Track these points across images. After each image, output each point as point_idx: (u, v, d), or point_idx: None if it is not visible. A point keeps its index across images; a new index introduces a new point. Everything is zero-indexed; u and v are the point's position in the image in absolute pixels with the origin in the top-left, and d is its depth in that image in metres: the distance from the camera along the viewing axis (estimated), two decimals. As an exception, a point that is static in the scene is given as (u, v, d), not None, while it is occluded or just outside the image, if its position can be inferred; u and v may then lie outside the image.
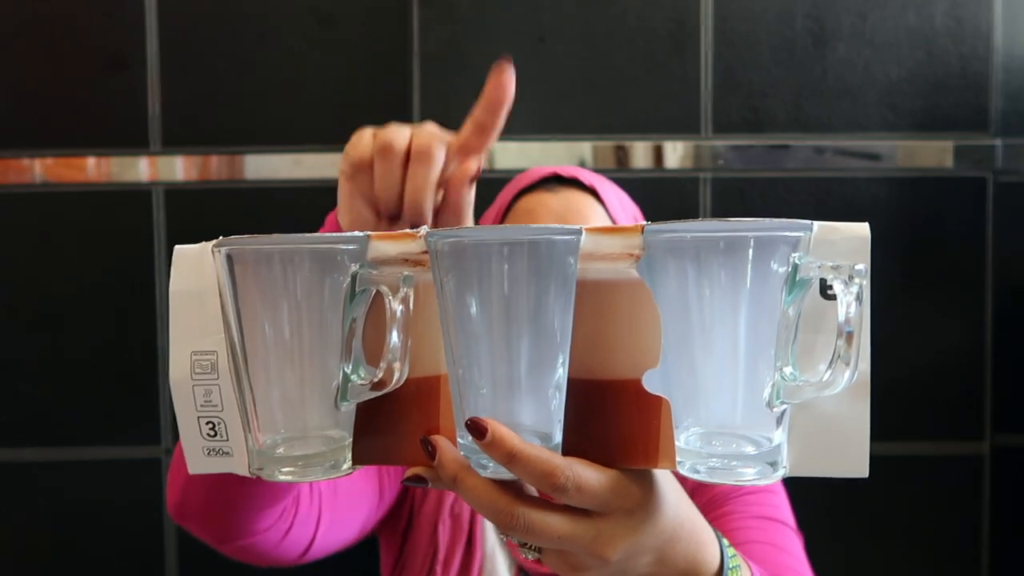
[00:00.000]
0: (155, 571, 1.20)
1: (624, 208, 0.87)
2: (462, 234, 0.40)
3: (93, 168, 1.17)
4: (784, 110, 1.18)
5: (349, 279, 0.42)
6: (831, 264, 0.37)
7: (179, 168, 1.17)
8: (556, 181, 0.85)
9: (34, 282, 1.18)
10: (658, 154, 1.18)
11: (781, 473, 0.41)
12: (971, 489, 1.21)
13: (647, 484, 0.43)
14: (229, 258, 0.41)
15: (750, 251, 0.38)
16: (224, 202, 1.17)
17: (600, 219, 0.82)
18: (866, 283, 0.37)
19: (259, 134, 1.18)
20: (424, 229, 0.42)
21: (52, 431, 1.19)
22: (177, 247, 0.43)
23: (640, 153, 1.18)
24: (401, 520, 0.85)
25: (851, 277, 0.36)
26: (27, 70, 1.16)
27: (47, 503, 1.20)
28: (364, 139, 0.56)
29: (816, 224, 0.39)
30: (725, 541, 0.50)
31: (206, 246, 0.43)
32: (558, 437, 0.42)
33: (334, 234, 0.42)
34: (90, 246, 1.18)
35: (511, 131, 1.23)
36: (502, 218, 0.86)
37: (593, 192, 0.84)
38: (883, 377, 0.42)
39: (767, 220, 0.38)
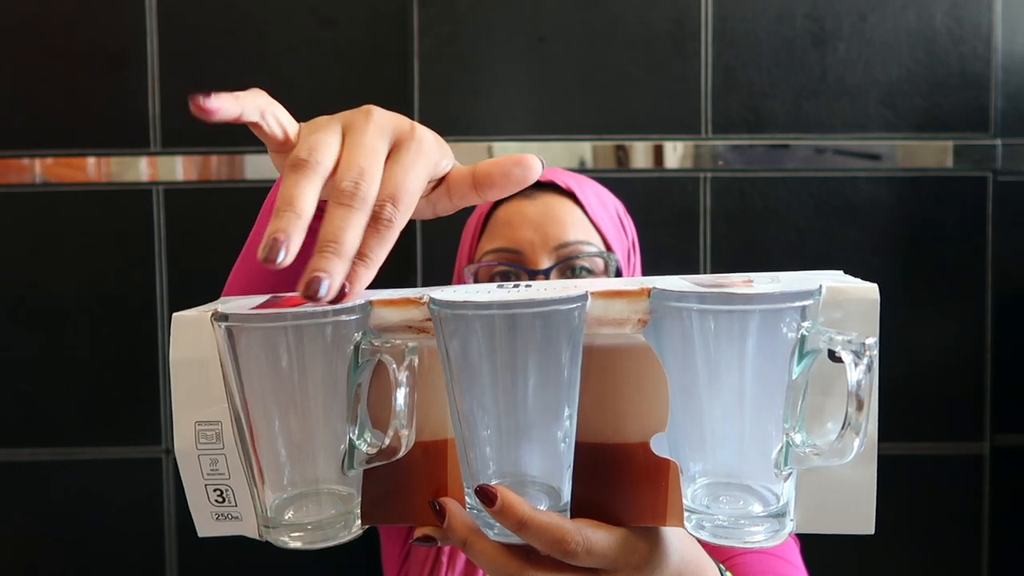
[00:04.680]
0: (155, 571, 1.20)
1: (604, 205, 0.87)
2: (466, 307, 0.39)
3: (93, 168, 1.17)
4: (784, 110, 1.18)
5: (352, 348, 0.41)
6: (841, 337, 0.37)
7: (179, 168, 1.17)
8: (533, 187, 0.84)
9: (34, 282, 1.18)
10: (658, 154, 1.18)
11: (790, 529, 0.41)
12: (971, 489, 1.21)
13: (653, 537, 0.44)
14: (229, 332, 0.41)
15: (757, 321, 0.38)
16: (224, 202, 1.17)
17: (579, 222, 0.82)
18: (875, 353, 0.36)
19: (259, 134, 1.17)
20: (427, 296, 0.42)
21: (52, 431, 1.19)
22: (176, 314, 0.43)
23: (640, 153, 1.18)
24: None
25: (862, 348, 0.36)
26: (27, 70, 1.16)
27: (47, 503, 1.20)
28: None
29: (825, 287, 0.39)
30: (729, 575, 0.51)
31: (204, 314, 0.42)
32: (567, 494, 0.42)
33: (336, 306, 0.41)
34: (90, 246, 1.18)
35: (511, 131, 1.23)
36: (481, 228, 0.86)
37: (571, 195, 0.84)
38: (883, 377, 0.42)
39: (775, 287, 0.38)
